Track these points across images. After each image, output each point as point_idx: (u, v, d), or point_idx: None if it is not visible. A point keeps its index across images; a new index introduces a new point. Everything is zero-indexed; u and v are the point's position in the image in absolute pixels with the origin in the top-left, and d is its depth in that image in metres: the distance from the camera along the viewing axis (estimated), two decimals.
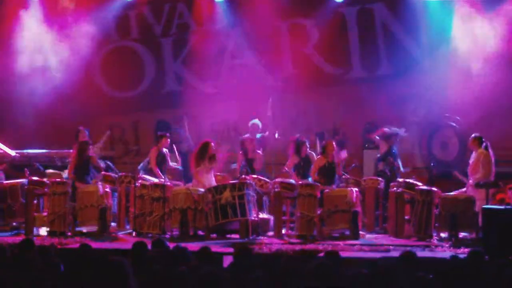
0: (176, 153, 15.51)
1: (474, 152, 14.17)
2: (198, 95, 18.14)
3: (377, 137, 15.84)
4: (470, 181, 13.96)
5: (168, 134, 15.36)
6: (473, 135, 14.33)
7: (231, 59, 18.36)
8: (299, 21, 18.21)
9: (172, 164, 15.18)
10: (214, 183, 14.09)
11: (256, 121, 16.11)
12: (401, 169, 15.17)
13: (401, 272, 7.57)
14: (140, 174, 14.86)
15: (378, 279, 7.08)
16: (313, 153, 14.88)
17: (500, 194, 14.15)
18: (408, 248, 11.03)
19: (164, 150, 15.05)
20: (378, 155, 15.51)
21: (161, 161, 14.90)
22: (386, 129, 15.56)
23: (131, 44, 19.01)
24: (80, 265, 7.91)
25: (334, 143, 14.55)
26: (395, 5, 17.75)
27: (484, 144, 14.05)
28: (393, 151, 15.23)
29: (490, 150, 14.04)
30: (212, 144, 14.29)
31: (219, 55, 18.27)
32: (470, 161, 14.17)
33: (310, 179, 14.41)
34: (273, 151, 16.07)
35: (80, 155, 14.53)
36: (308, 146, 14.89)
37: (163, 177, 14.56)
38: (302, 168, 14.68)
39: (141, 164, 15.31)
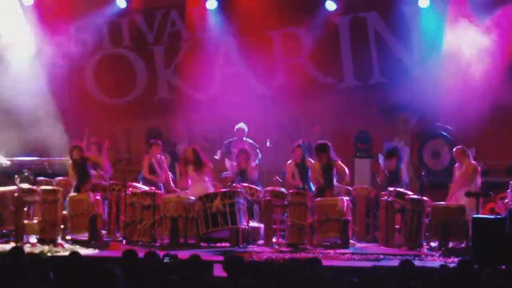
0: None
1: (460, 163, 14.18)
2: (190, 103, 18.14)
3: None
4: (459, 192, 13.97)
5: (159, 142, 15.34)
6: (457, 147, 14.36)
7: (223, 67, 18.35)
8: (291, 30, 18.22)
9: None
10: (205, 190, 14.09)
11: (242, 125, 16.07)
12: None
13: (394, 280, 7.60)
14: (141, 183, 14.86)
15: None
16: (311, 160, 14.73)
17: (490, 203, 14.17)
18: (405, 257, 11.09)
19: (158, 156, 15.03)
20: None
21: (155, 168, 14.90)
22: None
23: (123, 51, 19.01)
24: (70, 273, 7.91)
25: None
26: (388, 14, 17.74)
27: (467, 153, 14.11)
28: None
29: (472, 160, 14.10)
30: (193, 150, 14.39)
31: (211, 63, 18.27)
32: (456, 173, 14.17)
33: (311, 186, 14.37)
34: (264, 159, 16.05)
35: (75, 161, 14.49)
36: (303, 151, 14.76)
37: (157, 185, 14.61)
38: (299, 175, 14.55)
39: (140, 175, 15.28)
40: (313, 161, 14.53)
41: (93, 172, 14.74)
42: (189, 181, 14.43)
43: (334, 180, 14.31)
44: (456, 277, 8.18)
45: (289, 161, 14.70)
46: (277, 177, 15.13)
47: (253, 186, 14.55)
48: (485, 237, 12.14)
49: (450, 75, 17.12)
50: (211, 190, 14.25)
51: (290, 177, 14.67)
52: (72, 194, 14.26)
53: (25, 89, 17.84)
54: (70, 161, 14.60)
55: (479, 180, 13.99)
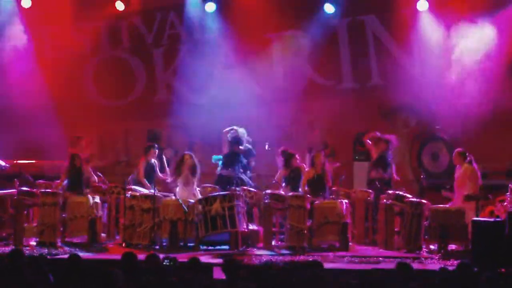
0: (165, 163, 15.52)
1: (459, 166, 14.18)
2: (188, 105, 18.14)
3: (368, 141, 15.53)
4: (457, 195, 13.98)
5: (156, 145, 15.33)
6: (456, 150, 14.36)
7: (222, 69, 18.35)
8: (290, 32, 18.22)
9: (161, 174, 15.18)
10: (192, 196, 14.09)
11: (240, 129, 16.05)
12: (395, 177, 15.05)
13: (393, 283, 7.59)
14: (131, 185, 14.83)
15: None
16: (304, 165, 14.86)
17: (489, 206, 14.17)
18: (402, 260, 11.09)
19: (153, 160, 15.03)
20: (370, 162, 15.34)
21: (150, 171, 14.90)
22: (377, 134, 15.37)
23: (122, 53, 19.02)
24: (69, 276, 7.91)
25: (322, 155, 14.55)
26: (386, 16, 17.77)
27: (468, 158, 14.08)
28: (387, 158, 15.04)
29: (474, 164, 14.07)
30: (190, 156, 14.37)
31: (210, 65, 18.26)
32: (456, 176, 14.18)
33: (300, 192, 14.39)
34: (263, 162, 16.05)
35: (72, 167, 14.47)
36: (298, 158, 14.85)
37: (151, 188, 14.55)
38: (292, 180, 14.64)
39: (131, 176, 15.26)
40: (306, 166, 14.65)
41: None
42: (178, 185, 14.41)
43: (327, 188, 14.37)
44: (456, 280, 8.17)
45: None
46: (276, 180, 15.14)
47: (252, 189, 14.58)
48: (484, 240, 12.14)
49: (449, 77, 17.14)
50: (198, 196, 14.22)
51: (280, 180, 14.72)
52: (71, 196, 14.23)
53: (24, 91, 17.88)
54: (66, 167, 14.56)
55: (478, 183, 13.98)
